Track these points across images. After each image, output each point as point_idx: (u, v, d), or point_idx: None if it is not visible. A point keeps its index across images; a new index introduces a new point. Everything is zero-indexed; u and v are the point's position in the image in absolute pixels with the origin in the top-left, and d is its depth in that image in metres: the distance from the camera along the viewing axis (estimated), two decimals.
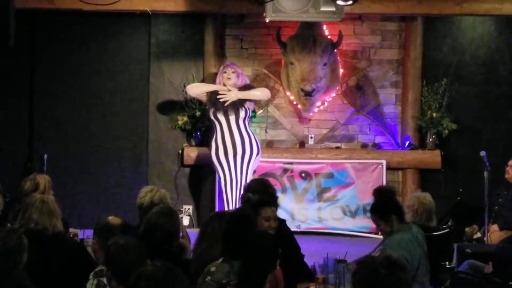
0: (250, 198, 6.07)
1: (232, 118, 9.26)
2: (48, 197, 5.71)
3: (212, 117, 9.34)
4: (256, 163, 9.40)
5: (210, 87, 9.49)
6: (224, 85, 9.38)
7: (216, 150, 9.30)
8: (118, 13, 9.71)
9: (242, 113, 9.26)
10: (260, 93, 9.56)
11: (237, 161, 9.21)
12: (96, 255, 5.02)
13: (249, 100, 9.38)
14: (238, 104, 9.24)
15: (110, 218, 5.09)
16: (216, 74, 9.93)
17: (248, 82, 9.69)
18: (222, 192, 9.38)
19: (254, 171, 9.54)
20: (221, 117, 9.27)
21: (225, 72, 9.43)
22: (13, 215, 5.97)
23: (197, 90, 9.62)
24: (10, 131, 10.39)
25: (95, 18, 10.22)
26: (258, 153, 9.33)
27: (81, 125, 10.50)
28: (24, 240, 4.51)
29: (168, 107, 10.52)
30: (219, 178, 9.47)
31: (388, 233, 5.91)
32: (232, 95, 9.24)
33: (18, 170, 9.98)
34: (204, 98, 9.56)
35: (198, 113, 10.18)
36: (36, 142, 10.42)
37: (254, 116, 10.22)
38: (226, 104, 9.21)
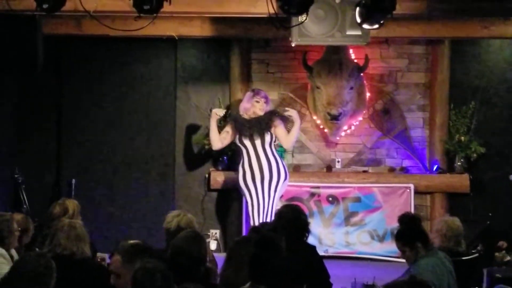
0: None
1: (258, 142, 9.19)
2: (77, 222, 5.74)
3: (238, 143, 9.28)
4: (284, 188, 9.33)
5: (212, 129, 9.42)
6: (253, 112, 9.21)
7: (244, 175, 9.22)
8: (145, 38, 9.77)
9: (267, 138, 9.20)
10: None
11: (264, 186, 9.14)
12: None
13: (275, 126, 9.26)
14: (264, 129, 9.22)
15: (131, 241, 5.04)
16: (242, 97, 10.00)
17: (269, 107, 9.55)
18: (249, 217, 9.34)
19: (281, 196, 9.49)
20: (247, 142, 9.21)
21: (258, 102, 9.21)
22: (41, 239, 6.01)
23: (214, 141, 9.44)
24: (38, 156, 10.45)
25: (121, 44, 10.28)
26: (285, 178, 9.26)
27: (108, 150, 10.55)
28: (53, 264, 4.53)
29: (195, 132, 10.55)
30: (246, 202, 9.39)
31: (412, 260, 5.87)
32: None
33: (46, 195, 10.03)
34: (228, 138, 9.36)
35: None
36: (64, 167, 10.47)
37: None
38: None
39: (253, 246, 4.94)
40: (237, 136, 9.26)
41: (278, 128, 9.18)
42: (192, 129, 10.55)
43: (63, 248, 5.39)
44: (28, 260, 4.54)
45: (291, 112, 9.28)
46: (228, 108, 10.10)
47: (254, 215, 9.13)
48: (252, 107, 9.21)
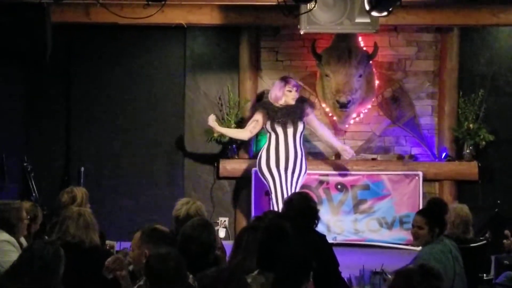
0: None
1: (290, 131, 9.16)
2: (85, 210, 5.76)
3: (269, 129, 9.23)
4: (302, 181, 9.37)
5: (224, 131, 9.61)
6: (285, 101, 9.19)
7: (267, 160, 9.18)
8: (154, 26, 9.78)
9: (301, 127, 9.20)
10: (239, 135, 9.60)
11: (288, 175, 9.12)
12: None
13: (307, 114, 9.31)
14: (299, 118, 9.20)
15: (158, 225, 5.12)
16: (251, 85, 10.04)
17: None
18: (271, 200, 9.27)
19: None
20: (279, 129, 9.17)
21: (290, 91, 9.22)
22: (50, 228, 6.03)
23: (239, 136, 9.62)
24: (47, 145, 10.49)
25: (130, 32, 10.30)
26: (305, 172, 9.31)
27: (117, 137, 10.57)
28: (61, 252, 4.56)
29: (204, 120, 10.55)
30: (269, 187, 9.26)
31: (423, 242, 5.87)
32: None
33: (55, 183, 10.07)
34: (258, 127, 9.39)
35: (233, 126, 10.20)
36: (73, 155, 10.50)
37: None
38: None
39: (262, 233, 4.96)
40: (268, 123, 9.21)
41: (311, 116, 9.31)
42: (201, 117, 10.56)
43: (72, 236, 5.41)
44: (37, 248, 4.57)
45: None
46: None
47: (277, 201, 9.08)
48: (284, 96, 9.23)
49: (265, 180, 9.28)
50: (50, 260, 4.46)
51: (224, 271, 3.59)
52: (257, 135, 10.44)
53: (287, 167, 9.11)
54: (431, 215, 5.96)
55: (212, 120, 9.39)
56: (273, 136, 9.21)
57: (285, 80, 9.36)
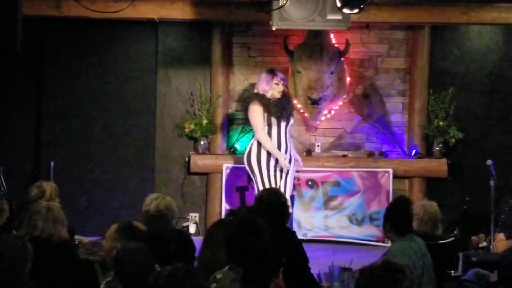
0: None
1: (283, 125, 8.98)
2: (54, 205, 5.73)
3: (265, 122, 8.94)
4: (293, 175, 9.16)
5: (275, 152, 8.85)
6: (272, 95, 8.94)
7: (258, 154, 8.88)
8: (126, 20, 9.74)
9: (292, 120, 9.12)
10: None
11: (277, 171, 8.87)
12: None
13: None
14: (290, 112, 9.10)
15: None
16: (223, 81, 10.05)
17: None
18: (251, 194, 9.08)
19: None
20: (274, 122, 8.92)
21: (277, 84, 8.98)
22: (18, 222, 5.99)
23: (265, 144, 8.94)
24: (17, 139, 10.42)
25: (102, 26, 10.25)
26: (294, 165, 9.11)
27: (88, 132, 10.52)
28: (29, 247, 4.53)
29: (175, 115, 10.55)
30: (255, 181, 8.95)
31: (392, 241, 5.93)
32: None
33: (24, 177, 9.99)
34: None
35: (205, 121, 10.20)
36: (43, 150, 10.44)
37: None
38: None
39: (234, 228, 4.97)
40: (265, 115, 8.94)
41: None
42: (173, 112, 10.55)
43: (40, 230, 5.38)
44: (3, 242, 4.54)
45: None
46: None
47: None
48: (272, 89, 8.98)
49: (253, 175, 8.96)
50: (18, 255, 4.44)
51: (178, 271, 3.60)
52: (228, 130, 10.47)
53: (278, 163, 8.83)
54: (385, 215, 6.01)
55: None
56: (266, 130, 8.92)
57: (272, 73, 9.09)
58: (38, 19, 9.83)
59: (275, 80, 8.99)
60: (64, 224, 5.51)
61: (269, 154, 8.88)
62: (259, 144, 8.93)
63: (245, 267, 4.53)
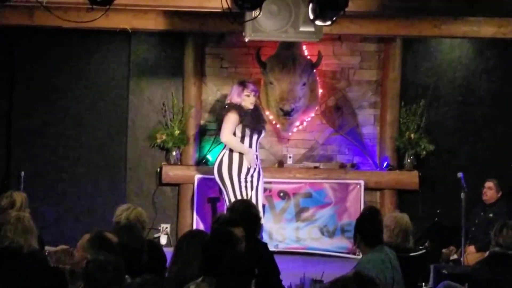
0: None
1: (255, 137, 8.96)
2: (24, 215, 5.68)
3: (238, 132, 8.90)
4: (262, 188, 9.14)
5: (243, 149, 8.89)
6: (244, 106, 8.90)
7: (229, 165, 8.85)
8: (98, 30, 9.70)
9: (263, 134, 9.13)
10: None
11: (247, 183, 8.86)
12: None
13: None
14: (263, 124, 9.12)
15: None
16: (196, 92, 10.06)
17: None
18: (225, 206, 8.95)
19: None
20: (247, 133, 8.90)
21: (248, 96, 8.94)
22: None
23: (233, 146, 8.94)
24: None
25: (75, 36, 10.20)
26: (262, 178, 9.11)
27: (59, 142, 10.45)
28: None
29: (147, 125, 10.52)
30: (226, 193, 8.92)
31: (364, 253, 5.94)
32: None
33: None
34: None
35: (177, 132, 10.18)
36: (13, 159, 10.36)
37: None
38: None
39: (209, 238, 4.97)
40: (240, 126, 8.91)
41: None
42: (145, 122, 10.52)
43: (10, 241, 5.34)
44: None
45: None
46: None
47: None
48: (243, 101, 8.95)
49: (223, 186, 8.93)
50: None
51: (147, 282, 3.59)
52: (200, 141, 10.45)
53: (248, 174, 8.86)
54: (356, 222, 6.01)
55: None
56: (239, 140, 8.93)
57: (243, 84, 9.07)
58: (10, 28, 9.77)
59: (245, 92, 8.98)
60: (34, 234, 5.46)
61: (240, 165, 8.86)
62: (230, 155, 8.91)
63: (218, 278, 4.52)
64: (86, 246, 4.90)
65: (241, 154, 8.91)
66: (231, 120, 8.94)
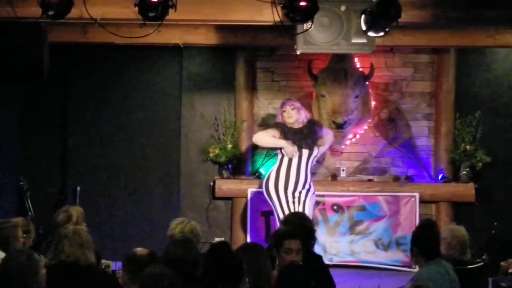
0: (277, 230, 6.09)
1: (305, 155, 8.97)
2: (81, 229, 5.72)
3: (284, 150, 9.00)
4: (313, 200, 9.16)
5: (278, 142, 9.01)
6: (287, 123, 9.01)
7: (276, 182, 8.94)
8: (150, 46, 9.78)
9: (315, 151, 9.06)
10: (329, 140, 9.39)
11: (295, 199, 8.88)
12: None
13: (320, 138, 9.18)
14: (314, 143, 9.06)
15: (137, 249, 5.11)
16: (247, 106, 10.07)
17: (309, 115, 9.35)
18: (276, 222, 8.99)
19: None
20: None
21: (284, 111, 9.04)
22: (46, 246, 6.00)
23: (264, 142, 9.23)
24: (43, 164, 10.47)
25: (127, 52, 10.30)
26: (314, 192, 9.10)
27: (113, 157, 10.55)
28: (35, 257, 4.56)
29: (200, 140, 10.55)
30: (274, 208, 9.01)
31: (420, 266, 5.87)
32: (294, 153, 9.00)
33: (51, 202, 10.01)
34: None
35: (229, 146, 10.20)
36: (69, 175, 10.48)
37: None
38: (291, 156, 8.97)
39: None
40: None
41: (322, 139, 9.18)
42: (197, 137, 10.56)
43: (67, 255, 5.37)
44: (9, 258, 4.59)
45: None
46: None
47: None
48: (283, 118, 9.05)
49: (271, 202, 9.04)
50: (25, 268, 4.47)
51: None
52: (253, 155, 10.44)
53: (295, 190, 8.89)
54: (412, 235, 5.95)
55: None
56: (286, 158, 8.97)
57: (281, 103, 9.24)
58: (64, 45, 9.89)
59: (282, 109, 9.08)
60: (91, 248, 5.50)
61: (286, 181, 8.91)
62: (278, 171, 8.97)
63: None
64: (122, 270, 4.96)
65: (288, 170, 8.93)
66: (266, 130, 9.19)
